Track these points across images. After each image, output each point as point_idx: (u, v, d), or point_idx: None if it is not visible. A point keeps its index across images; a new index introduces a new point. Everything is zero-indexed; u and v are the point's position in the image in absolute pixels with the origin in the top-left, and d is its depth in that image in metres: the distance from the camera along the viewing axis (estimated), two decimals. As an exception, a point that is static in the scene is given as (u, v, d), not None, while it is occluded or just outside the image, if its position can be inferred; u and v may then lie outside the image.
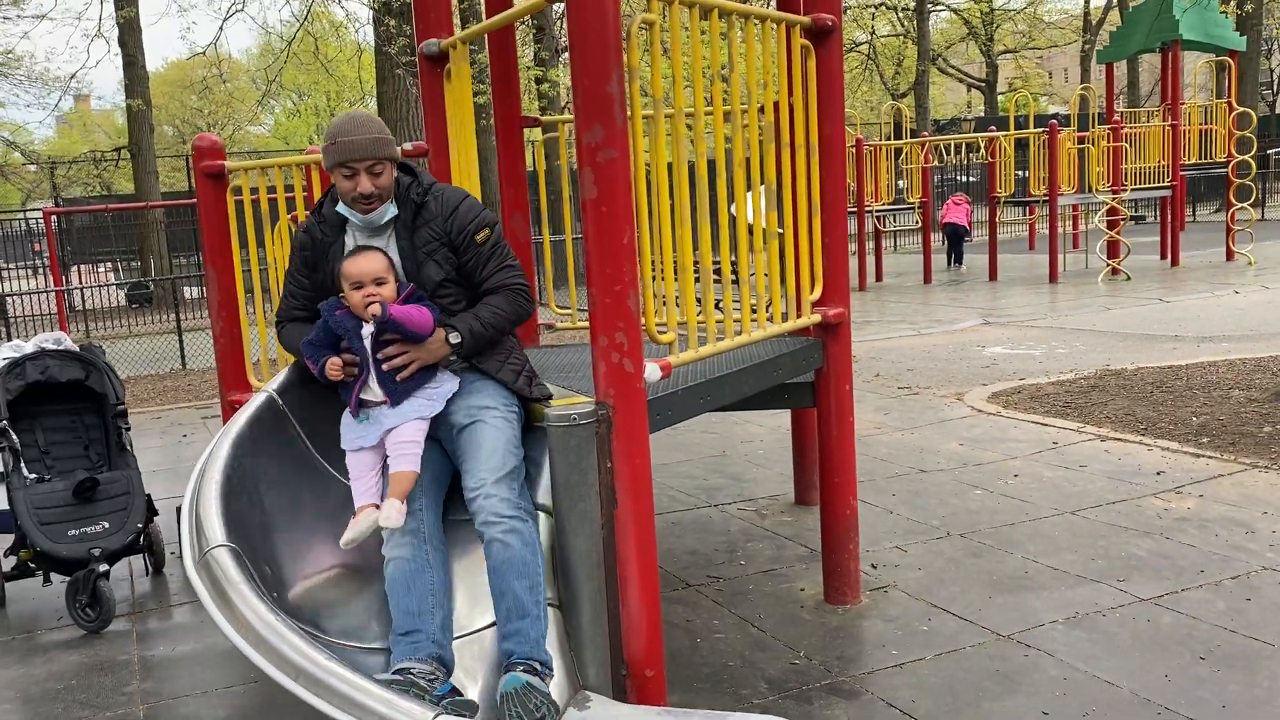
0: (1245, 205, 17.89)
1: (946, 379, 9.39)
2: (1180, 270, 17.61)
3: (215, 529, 2.64)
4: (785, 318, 3.89)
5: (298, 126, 49.57)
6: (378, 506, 2.94)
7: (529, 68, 21.23)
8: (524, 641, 2.77)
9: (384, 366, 2.98)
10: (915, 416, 7.85)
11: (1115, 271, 17.15)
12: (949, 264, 21.21)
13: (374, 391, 3.01)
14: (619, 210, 2.91)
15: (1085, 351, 10.38)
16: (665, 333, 3.25)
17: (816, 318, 4.05)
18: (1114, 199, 17.12)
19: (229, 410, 4.75)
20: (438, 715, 2.15)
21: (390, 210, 3.10)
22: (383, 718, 2.14)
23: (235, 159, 5.44)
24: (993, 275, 18.60)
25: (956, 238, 21.16)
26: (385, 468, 3.01)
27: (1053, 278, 17.40)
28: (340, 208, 3.10)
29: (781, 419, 7.88)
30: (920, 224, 20.13)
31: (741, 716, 2.27)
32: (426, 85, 4.12)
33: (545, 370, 4.14)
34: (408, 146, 4.45)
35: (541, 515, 3.08)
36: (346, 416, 3.07)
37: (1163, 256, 18.71)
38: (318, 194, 4.82)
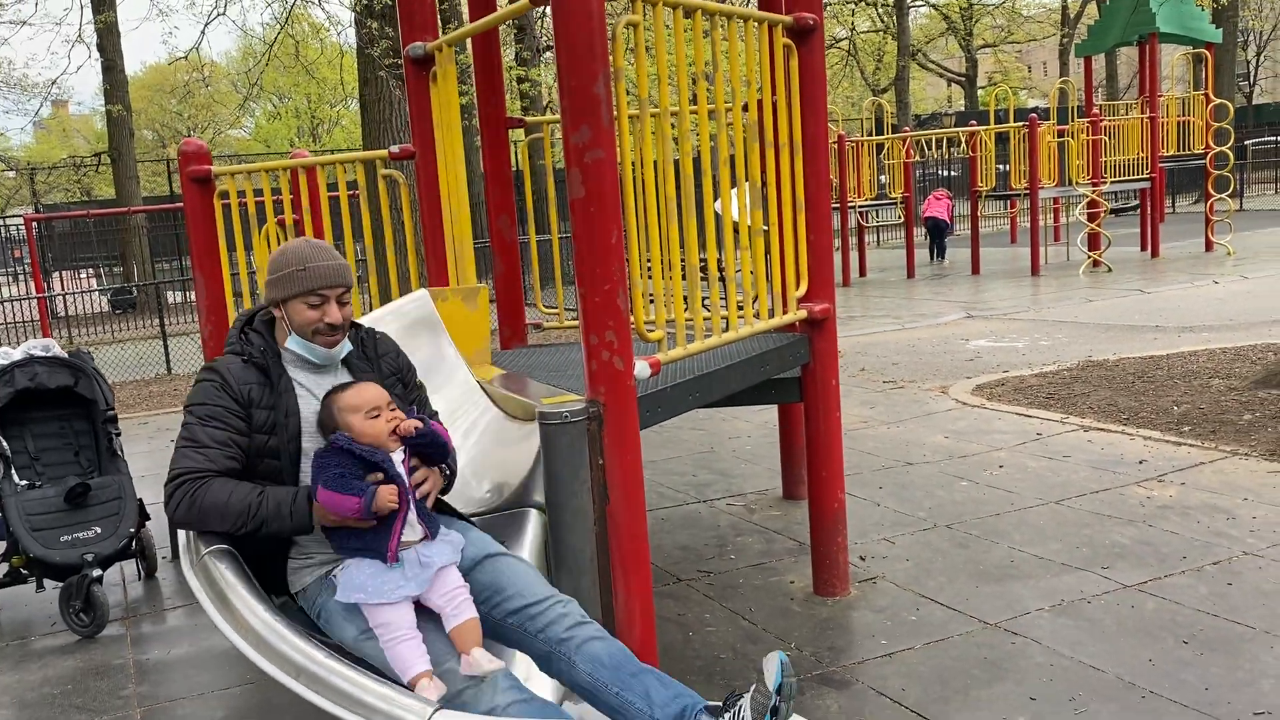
0: (1223, 196, 18.04)
1: (931, 372, 9.47)
2: (1161, 261, 17.75)
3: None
4: (771, 314, 3.94)
5: (279, 129, 49.39)
6: (430, 675, 2.44)
7: (510, 67, 21.24)
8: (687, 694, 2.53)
9: (416, 494, 2.66)
10: (901, 410, 7.91)
11: (1096, 263, 17.28)
12: (931, 258, 21.32)
13: (414, 529, 2.62)
14: (607, 210, 2.95)
15: (1067, 343, 10.47)
16: (654, 330, 3.29)
17: (803, 314, 4.10)
18: (1094, 192, 17.25)
19: (220, 414, 4.76)
20: (436, 710, 2.18)
21: (346, 344, 2.84)
22: (383, 713, 2.18)
23: (216, 163, 5.44)
24: (975, 269, 18.71)
25: (938, 232, 21.27)
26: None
27: (1034, 270, 17.52)
28: (292, 344, 2.77)
29: (769, 415, 7.94)
30: (903, 219, 20.23)
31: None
32: (413, 88, 4.15)
33: (535, 369, 4.18)
34: (394, 149, 4.48)
35: (535, 512, 3.12)
36: (372, 565, 2.58)
37: (1143, 248, 18.85)
38: (305, 197, 4.85)
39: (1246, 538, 4.68)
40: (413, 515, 2.62)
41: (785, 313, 4.00)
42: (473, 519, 3.07)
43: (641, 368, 3.12)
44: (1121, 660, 3.61)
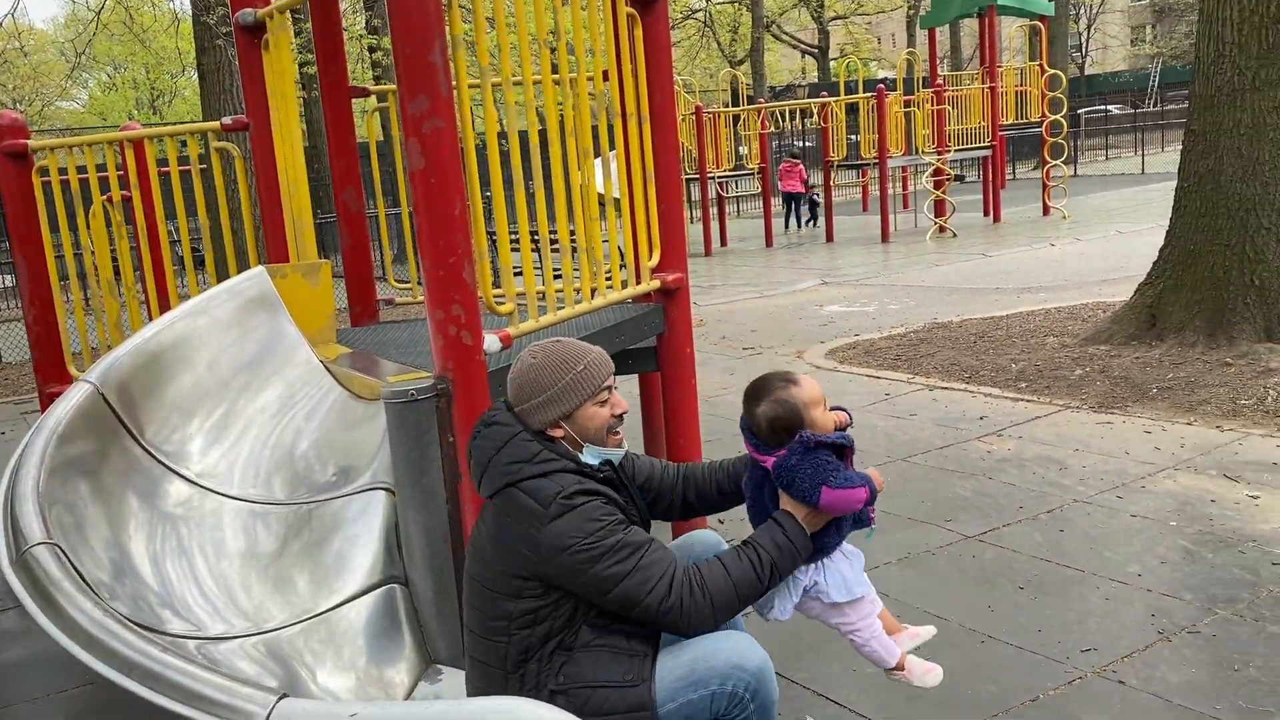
0: (1059, 163, 18.94)
1: (788, 338, 9.68)
2: (1002, 226, 18.54)
3: (33, 526, 2.52)
4: (625, 285, 3.95)
5: (115, 102, 46.77)
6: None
7: (362, 36, 20.61)
8: None
9: None
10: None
11: (942, 229, 17.94)
12: (786, 228, 21.78)
13: None
14: (448, 181, 2.89)
15: (915, 306, 10.85)
16: (503, 303, 3.25)
17: (656, 283, 4.12)
18: (939, 160, 17.87)
19: (47, 403, 4.51)
20: (281, 698, 2.12)
21: None
22: (223, 705, 2.10)
23: (47, 137, 5.10)
24: (829, 237, 19.19)
25: (796, 202, 21.75)
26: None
27: (885, 237, 18.08)
28: (589, 457, 2.46)
29: (630, 386, 7.98)
30: (760, 189, 20.56)
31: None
32: (244, 57, 3.98)
33: (386, 346, 4.09)
34: (227, 120, 4.29)
35: (383, 494, 3.06)
36: (847, 560, 2.57)
37: (985, 214, 19.64)
38: (133, 174, 4.60)
39: (1077, 486, 4.95)
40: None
41: (639, 283, 4.01)
42: (318, 501, 3.00)
43: (491, 342, 3.08)
44: (963, 608, 3.77)
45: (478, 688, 2.43)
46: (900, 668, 2.58)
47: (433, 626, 3.03)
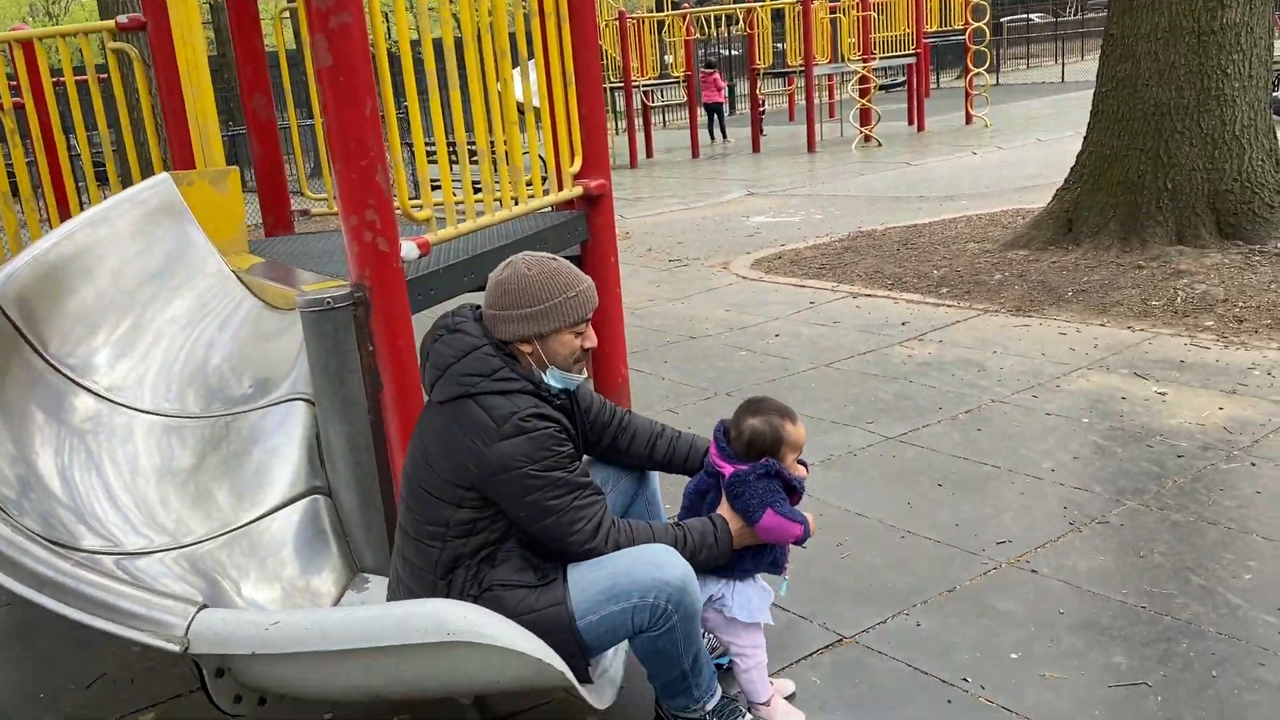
0: (981, 71, 19.00)
1: (714, 249, 9.67)
2: (925, 135, 18.63)
3: (-68, 445, 2.43)
4: (547, 192, 3.88)
5: (5, 6, 44.21)
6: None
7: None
8: None
9: None
10: (685, 287, 8.06)
11: (867, 139, 17.96)
12: (712, 139, 21.61)
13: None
14: (358, 79, 2.78)
15: (840, 216, 10.90)
16: (421, 209, 3.17)
17: (578, 190, 4.06)
18: (864, 68, 17.81)
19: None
20: (200, 609, 2.09)
21: None
22: (142, 618, 2.07)
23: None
24: (755, 147, 19.10)
25: (718, 113, 21.56)
26: None
27: (810, 147, 18.06)
28: (552, 379, 2.42)
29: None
30: (686, 99, 20.32)
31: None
32: (138, -49, 3.76)
33: (302, 256, 3.98)
34: (123, 19, 4.06)
35: (303, 404, 3.00)
36: (756, 588, 2.64)
37: (910, 123, 19.70)
38: (24, 79, 4.35)
39: (995, 386, 5.06)
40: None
41: (561, 189, 3.94)
42: (235, 414, 2.93)
43: (409, 249, 3.01)
44: (883, 505, 3.87)
45: (405, 587, 2.42)
46: (768, 704, 2.65)
47: (358, 537, 3.01)
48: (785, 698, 2.73)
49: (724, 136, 21.54)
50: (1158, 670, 2.73)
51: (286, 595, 2.84)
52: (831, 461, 4.32)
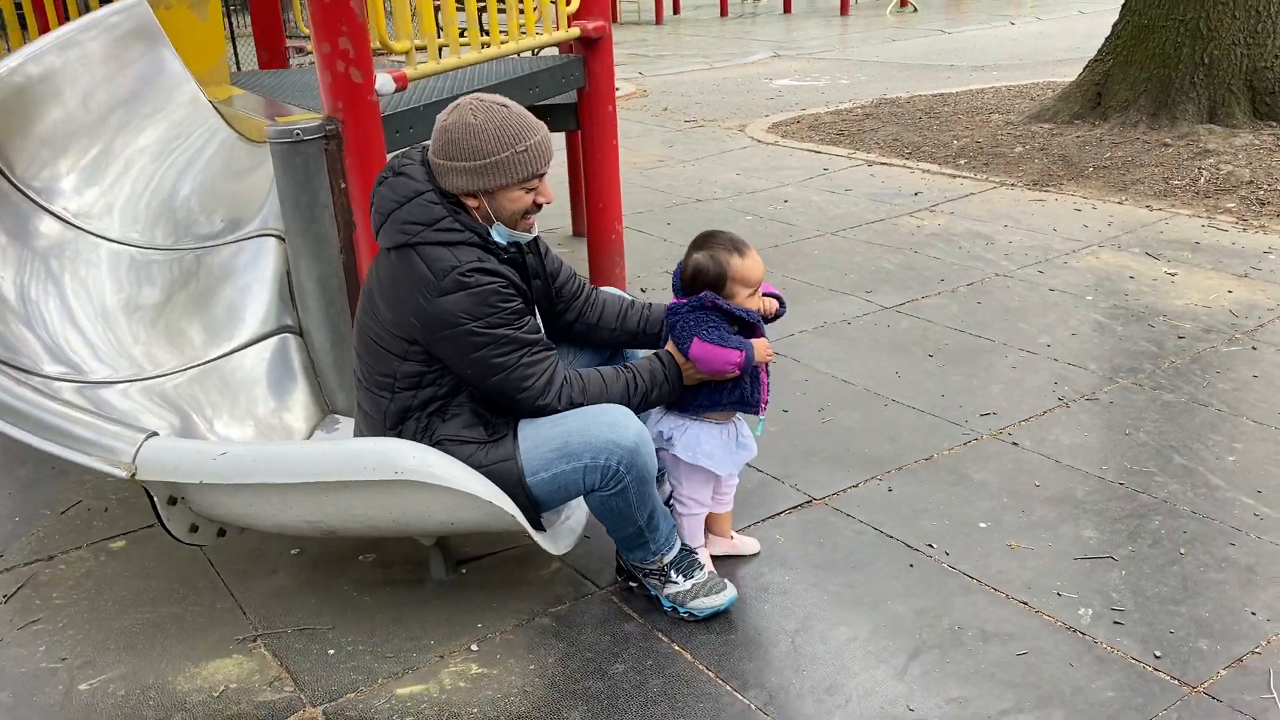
0: (1029, -64, 18.10)
1: (732, 111, 9.40)
2: (964, 2, 17.90)
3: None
4: (540, 31, 3.71)
5: None
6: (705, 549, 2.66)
7: None
8: None
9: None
10: (698, 148, 7.86)
11: (903, 3, 17.28)
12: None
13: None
14: (329, -105, 2.61)
15: (866, 82, 10.55)
16: (400, 41, 3.03)
17: (575, 31, 3.89)
18: (905, -72, 17.00)
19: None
20: (150, 436, 2.07)
21: None
22: (90, 442, 2.05)
23: None
24: (787, 8, 18.44)
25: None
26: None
27: (844, 10, 17.41)
28: (497, 235, 2.28)
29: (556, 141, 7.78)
30: (717, -47, 19.52)
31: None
32: None
33: (286, 89, 3.85)
34: None
35: (274, 240, 2.93)
36: (720, 433, 2.55)
37: (950, -11, 18.91)
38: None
39: (1001, 260, 4.94)
40: (763, 383, 2.52)
41: (555, 29, 3.77)
42: (206, 248, 2.87)
43: (384, 81, 2.89)
44: (871, 374, 3.81)
45: (362, 435, 2.40)
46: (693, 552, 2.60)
47: (330, 378, 2.98)
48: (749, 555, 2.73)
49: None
50: (1126, 545, 2.70)
51: (258, 432, 2.83)
52: (824, 329, 4.25)
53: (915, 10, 16.85)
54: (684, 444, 2.54)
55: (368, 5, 2.94)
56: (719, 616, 2.49)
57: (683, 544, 2.56)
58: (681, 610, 2.48)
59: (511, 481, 2.26)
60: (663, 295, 4.71)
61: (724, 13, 18.59)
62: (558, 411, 2.31)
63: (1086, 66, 7.33)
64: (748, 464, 3.04)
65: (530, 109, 4.12)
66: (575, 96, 4.10)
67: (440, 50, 3.19)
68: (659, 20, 18.08)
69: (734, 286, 2.46)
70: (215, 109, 3.29)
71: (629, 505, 2.31)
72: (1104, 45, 7.18)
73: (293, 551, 2.83)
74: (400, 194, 2.23)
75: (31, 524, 3.05)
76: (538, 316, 2.50)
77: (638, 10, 19.25)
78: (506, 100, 2.25)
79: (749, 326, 2.48)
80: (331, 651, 2.45)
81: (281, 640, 2.50)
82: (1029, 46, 12.38)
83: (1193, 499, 2.90)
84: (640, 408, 2.46)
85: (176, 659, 2.44)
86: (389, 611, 2.58)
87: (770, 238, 5.49)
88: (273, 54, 4.74)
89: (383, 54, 3.09)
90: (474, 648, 2.44)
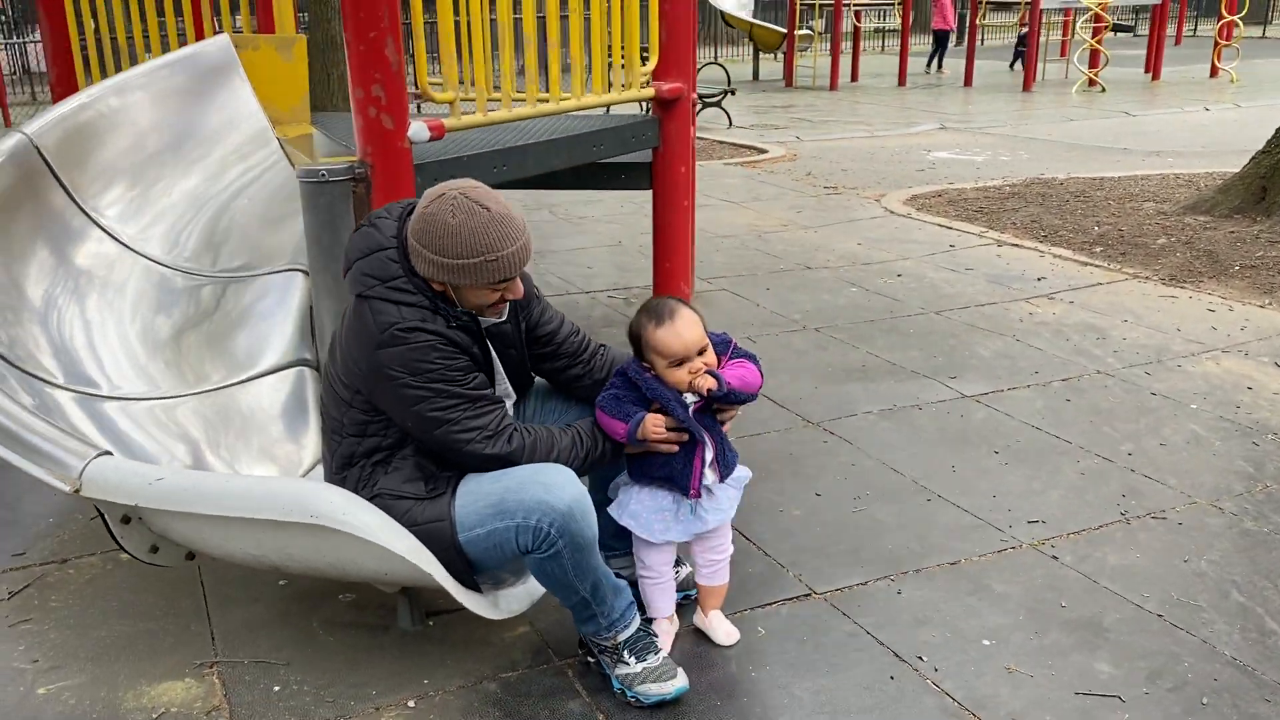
0: (1237, 20, 17.11)
1: (877, 180, 9.19)
2: (1159, 85, 17.05)
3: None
4: (611, 89, 3.71)
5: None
6: (672, 619, 2.58)
7: None
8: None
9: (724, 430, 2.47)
10: (826, 215, 7.71)
11: (1092, 82, 16.62)
12: (928, 67, 20.52)
13: (709, 472, 2.46)
14: (366, -53, 2.69)
15: (1028, 160, 10.14)
16: (443, 90, 3.08)
17: (649, 92, 3.87)
18: (1099, 5, 16.38)
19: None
20: (100, 455, 2.13)
21: None
22: (44, 454, 2.12)
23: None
24: (968, 81, 18.02)
25: (943, 43, 20.42)
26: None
27: (1027, 86, 16.87)
28: (465, 314, 2.27)
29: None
30: (900, 22, 19.31)
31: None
32: None
33: (330, 129, 3.97)
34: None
35: (301, 274, 3.01)
36: (652, 498, 2.47)
37: (1146, 70, 18.07)
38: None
39: (1107, 357, 4.59)
40: (709, 455, 2.43)
41: (626, 89, 3.77)
42: (239, 277, 2.97)
43: (419, 130, 2.94)
44: (925, 465, 3.58)
45: (324, 478, 2.41)
46: (650, 621, 2.53)
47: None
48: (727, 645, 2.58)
49: (939, 67, 20.42)
50: (1141, 686, 2.41)
51: (260, 460, 2.89)
52: (891, 412, 4.03)
53: (1104, 90, 16.15)
54: (618, 501, 2.50)
55: (418, 52, 3.01)
56: (666, 706, 2.36)
57: (642, 623, 2.44)
58: (629, 694, 2.36)
59: (444, 541, 2.21)
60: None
61: (902, 82, 18.33)
62: (508, 463, 2.26)
63: (1253, 158, 6.82)
64: (758, 547, 2.92)
65: (605, 168, 4.14)
66: (650, 155, 4.07)
67: (490, 103, 3.22)
68: (833, 86, 17.97)
69: (651, 355, 2.40)
70: (282, 146, 3.42)
71: (565, 572, 2.22)
72: (1274, 135, 6.66)
73: (280, 582, 2.86)
74: (364, 246, 2.25)
75: (61, 526, 3.20)
76: (502, 380, 2.45)
77: (813, 75, 19.21)
78: (493, 200, 2.17)
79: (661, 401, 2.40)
80: (277, 688, 2.45)
81: (236, 671, 2.51)
82: (1217, 134, 11.64)
83: (1238, 643, 2.57)
84: (584, 467, 2.40)
85: (134, 676, 2.49)
86: (347, 655, 2.57)
87: (869, 312, 5.29)
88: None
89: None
90: (411, 704, 2.39)
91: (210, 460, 2.80)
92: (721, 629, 2.60)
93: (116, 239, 2.98)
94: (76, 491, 2.10)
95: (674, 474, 2.45)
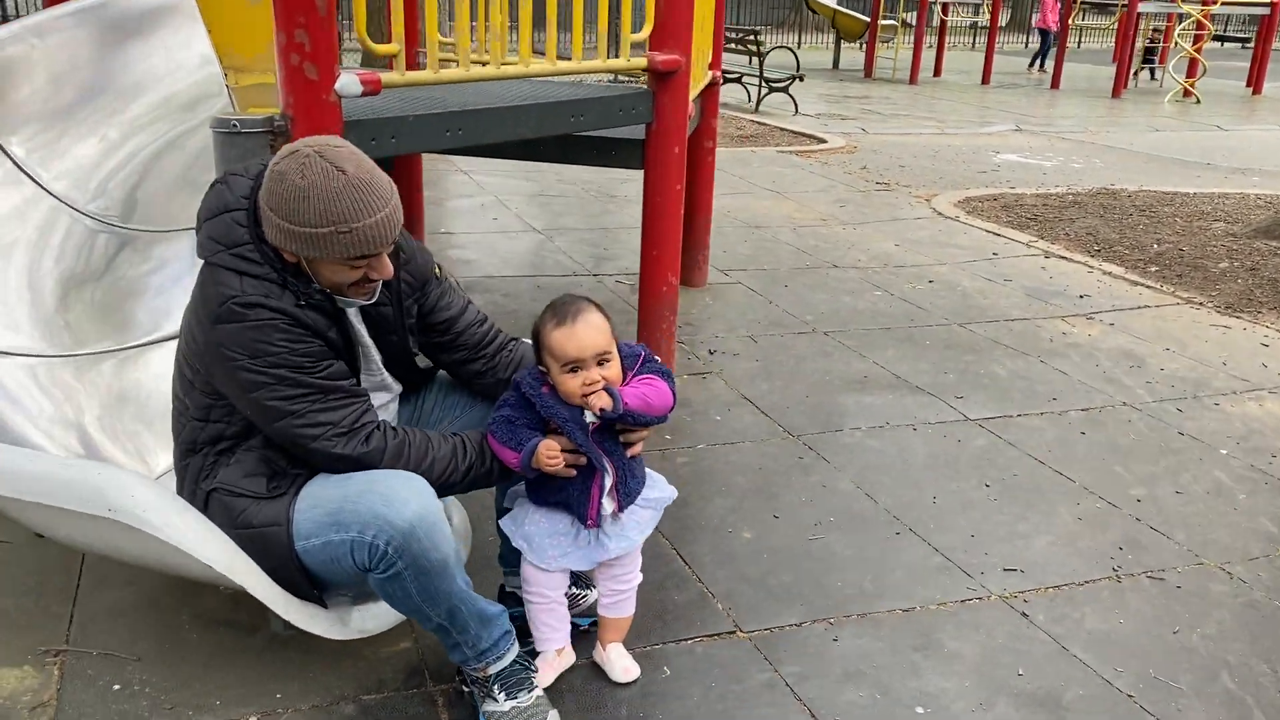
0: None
1: (933, 179, 8.74)
2: (1260, 100, 16.15)
3: None
4: (599, 56, 3.41)
5: None
6: (561, 652, 2.31)
7: None
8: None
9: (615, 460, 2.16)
10: (869, 212, 7.30)
11: (1187, 93, 15.80)
12: (1031, 66, 19.80)
13: (608, 500, 2.19)
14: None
15: (1101, 169, 9.58)
16: (386, 44, 2.81)
17: (641, 62, 3.56)
18: (1202, 11, 15.53)
19: None
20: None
21: None
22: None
23: None
24: (1055, 83, 17.28)
25: (1046, 41, 19.67)
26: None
27: (1116, 91, 16.11)
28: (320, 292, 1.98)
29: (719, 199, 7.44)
30: (989, 19, 18.59)
31: None
32: None
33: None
34: None
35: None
36: (548, 520, 2.21)
37: (1248, 84, 17.15)
38: None
39: (1138, 389, 4.17)
40: (607, 482, 2.16)
41: (613, 57, 3.46)
42: (164, 231, 2.74)
43: (349, 83, 2.67)
44: (903, 494, 3.23)
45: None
46: (533, 654, 2.28)
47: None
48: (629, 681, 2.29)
49: (1040, 67, 19.68)
50: (1088, 783, 2.07)
51: (156, 436, 2.66)
52: (882, 430, 3.68)
53: (1199, 102, 15.33)
54: (512, 516, 2.24)
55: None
56: (532, 752, 2.07)
57: (521, 654, 2.16)
58: (493, 733, 2.08)
59: (280, 549, 1.95)
60: (731, 361, 4.28)
61: (986, 80, 17.65)
62: (362, 466, 1.98)
63: (1337, 181, 6.25)
64: (692, 571, 2.64)
65: (592, 143, 3.84)
66: (643, 131, 3.75)
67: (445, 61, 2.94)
68: (913, 80, 17.37)
69: (546, 358, 2.11)
70: (231, 97, 3.19)
71: (410, 596, 1.94)
72: (1363, 158, 6.09)
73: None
74: (214, 205, 1.98)
75: None
76: (378, 370, 2.18)
77: (893, 68, 18.60)
78: (354, 162, 1.86)
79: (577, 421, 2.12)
80: (117, 686, 2.22)
81: (82, 661, 2.29)
82: (1313, 154, 10.91)
83: (1215, 739, 2.20)
84: (466, 484, 2.11)
85: (-26, 656, 2.29)
86: (204, 657, 2.33)
87: (888, 319, 4.92)
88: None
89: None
90: (253, 719, 2.14)
91: (93, 434, 2.58)
92: (619, 664, 2.31)
93: (30, 176, 2.75)
94: (-122, 457, 1.88)
95: (570, 500, 2.18)
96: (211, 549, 1.78)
